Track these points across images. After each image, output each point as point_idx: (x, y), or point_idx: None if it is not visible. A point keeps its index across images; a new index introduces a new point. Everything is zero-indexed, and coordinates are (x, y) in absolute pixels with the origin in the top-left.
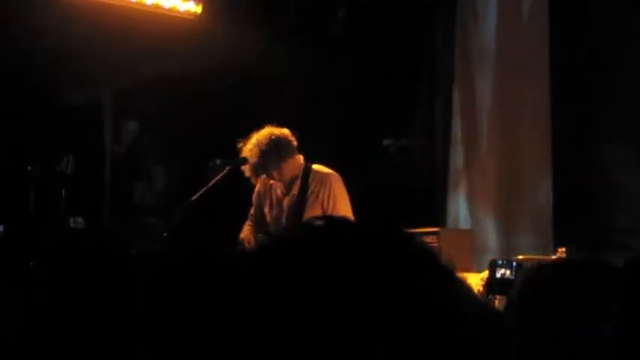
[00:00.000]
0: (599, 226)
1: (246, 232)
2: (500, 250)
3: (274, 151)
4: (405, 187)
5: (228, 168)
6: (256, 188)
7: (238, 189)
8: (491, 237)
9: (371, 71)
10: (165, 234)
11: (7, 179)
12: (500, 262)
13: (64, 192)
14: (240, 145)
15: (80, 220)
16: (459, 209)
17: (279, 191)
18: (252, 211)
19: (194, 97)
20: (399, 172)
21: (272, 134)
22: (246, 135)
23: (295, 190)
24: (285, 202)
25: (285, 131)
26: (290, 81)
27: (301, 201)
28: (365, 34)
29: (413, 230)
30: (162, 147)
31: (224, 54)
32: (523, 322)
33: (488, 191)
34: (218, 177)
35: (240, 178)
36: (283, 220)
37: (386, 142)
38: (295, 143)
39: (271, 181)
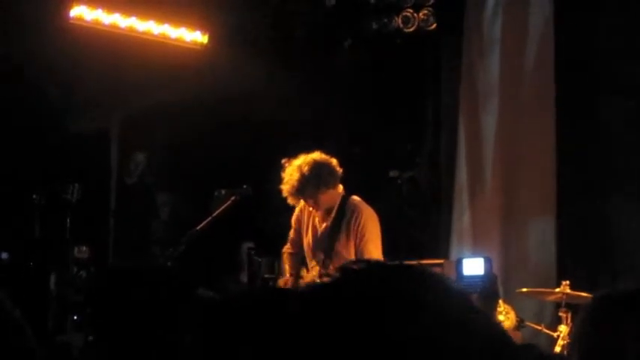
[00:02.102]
0: (602, 259)
1: (286, 279)
2: (504, 281)
3: (314, 179)
4: (410, 218)
5: (232, 198)
6: (296, 211)
7: (243, 219)
8: (494, 269)
9: (377, 102)
10: (169, 263)
11: (12, 207)
12: (467, 258)
13: (69, 220)
14: (284, 163)
15: (85, 248)
16: (463, 241)
17: (316, 219)
18: (291, 234)
19: (200, 126)
20: (405, 204)
21: (316, 161)
22: (252, 163)
23: (330, 219)
24: (320, 232)
25: (331, 160)
26: (296, 110)
27: (334, 233)
28: (371, 65)
29: (417, 262)
30: (168, 176)
31: (230, 83)
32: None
33: (493, 223)
34: (223, 207)
35: (245, 208)
36: (315, 249)
37: (392, 173)
38: (339, 174)
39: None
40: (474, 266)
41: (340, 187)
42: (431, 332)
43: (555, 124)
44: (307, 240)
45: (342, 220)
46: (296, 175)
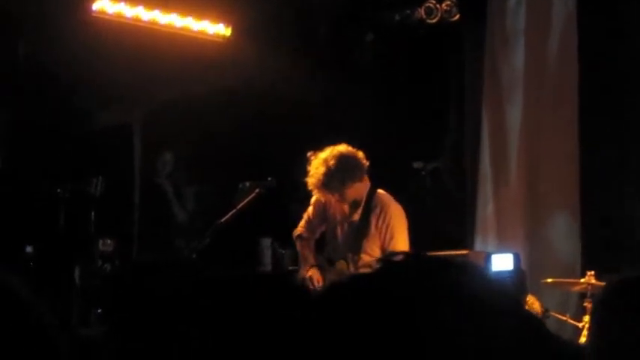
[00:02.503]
0: (627, 249)
1: (314, 271)
2: (528, 272)
3: (340, 173)
4: (434, 209)
5: (257, 191)
6: (316, 196)
7: (266, 210)
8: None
9: (400, 93)
10: (194, 255)
11: (37, 201)
12: (495, 254)
13: (93, 213)
14: (310, 156)
15: (109, 241)
16: (487, 232)
17: (345, 209)
18: (309, 215)
19: (223, 119)
20: (429, 195)
21: (342, 154)
22: (275, 155)
23: (357, 213)
24: (347, 225)
25: (357, 153)
26: (319, 103)
27: (361, 228)
28: (393, 57)
29: (442, 253)
30: (192, 169)
31: (253, 76)
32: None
33: (517, 215)
34: (247, 199)
35: (269, 201)
36: (343, 243)
37: (416, 165)
38: (365, 167)
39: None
40: (502, 262)
41: (367, 180)
42: (472, 323)
43: (579, 115)
44: (333, 231)
45: (369, 215)
46: (322, 169)
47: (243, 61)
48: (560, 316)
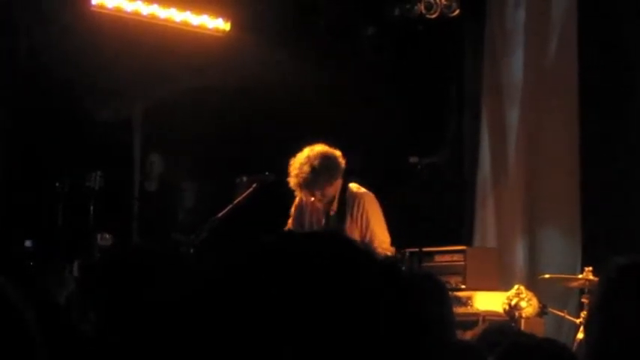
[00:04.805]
0: (627, 246)
1: None
2: (527, 268)
3: (324, 171)
4: (432, 205)
5: (254, 185)
6: (296, 201)
7: (264, 205)
8: (518, 256)
9: (399, 88)
10: (191, 250)
11: (36, 195)
12: None
13: (92, 208)
14: (293, 160)
15: (108, 236)
16: (486, 228)
17: (319, 209)
18: (290, 223)
19: (222, 113)
20: (426, 190)
21: (325, 154)
22: (275, 150)
23: (333, 209)
24: (323, 221)
25: (337, 153)
26: (318, 97)
27: (339, 219)
28: (393, 52)
29: (439, 248)
30: (190, 163)
31: (252, 70)
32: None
33: (516, 210)
34: (244, 194)
35: (266, 195)
36: None
37: (413, 159)
38: (343, 165)
39: (312, 198)
40: None
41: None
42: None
43: (579, 112)
44: (311, 228)
45: (345, 208)
46: (306, 168)
47: (243, 56)
48: (558, 312)
